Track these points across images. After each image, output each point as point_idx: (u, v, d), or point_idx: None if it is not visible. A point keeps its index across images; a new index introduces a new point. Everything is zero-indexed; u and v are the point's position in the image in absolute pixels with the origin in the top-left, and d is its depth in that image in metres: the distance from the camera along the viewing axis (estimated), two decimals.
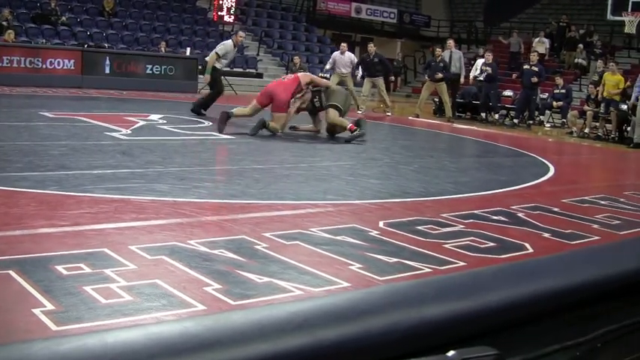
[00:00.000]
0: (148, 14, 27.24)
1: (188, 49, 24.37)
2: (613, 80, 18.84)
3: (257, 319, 1.76)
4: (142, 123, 12.07)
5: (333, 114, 12.10)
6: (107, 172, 7.35)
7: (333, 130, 12.35)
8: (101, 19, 25.40)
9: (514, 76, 21.52)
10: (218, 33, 26.51)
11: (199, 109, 14.52)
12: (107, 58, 21.27)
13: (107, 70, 21.08)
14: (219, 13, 24.01)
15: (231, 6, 23.92)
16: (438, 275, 3.84)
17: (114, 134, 10.46)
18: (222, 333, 1.68)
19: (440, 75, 19.54)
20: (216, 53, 14.58)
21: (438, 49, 20.74)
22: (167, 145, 10.00)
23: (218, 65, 14.65)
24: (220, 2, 23.81)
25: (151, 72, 21.97)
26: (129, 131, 10.92)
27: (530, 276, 3.20)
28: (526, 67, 20.20)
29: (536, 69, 19.84)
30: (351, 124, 12.08)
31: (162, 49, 23.60)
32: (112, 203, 5.91)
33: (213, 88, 14.84)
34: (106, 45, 23.66)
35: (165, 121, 12.57)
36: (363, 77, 20.11)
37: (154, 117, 13.11)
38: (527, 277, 2.89)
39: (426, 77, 20.76)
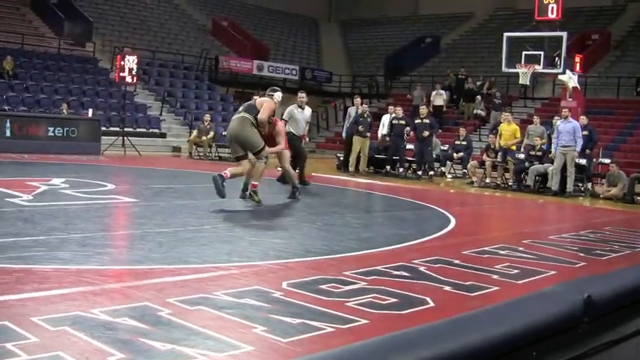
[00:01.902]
0: (50, 75, 27.03)
1: (90, 111, 24.15)
2: (509, 130, 19.42)
3: None
4: (44, 188, 11.90)
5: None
6: (8, 241, 7.24)
7: None
8: (1, 81, 25.11)
9: (410, 131, 21.96)
10: (120, 94, 26.36)
11: (300, 182, 14.68)
12: (7, 120, 20.97)
13: (7, 133, 20.78)
14: (121, 74, 23.86)
15: (133, 67, 23.83)
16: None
17: (15, 200, 10.28)
18: None
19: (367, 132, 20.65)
20: (283, 119, 14.96)
21: (364, 106, 21.30)
22: (70, 210, 9.88)
23: (291, 129, 15.15)
24: (122, 63, 23.71)
25: (52, 134, 21.70)
26: (30, 197, 10.75)
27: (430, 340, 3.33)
28: (417, 121, 20.67)
29: (427, 121, 20.38)
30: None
31: (64, 110, 23.39)
32: (14, 273, 5.82)
33: (296, 154, 15.16)
34: (6, 107, 23.37)
35: (67, 185, 12.42)
36: None
37: (57, 181, 12.94)
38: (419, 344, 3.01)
39: (344, 134, 21.60)
